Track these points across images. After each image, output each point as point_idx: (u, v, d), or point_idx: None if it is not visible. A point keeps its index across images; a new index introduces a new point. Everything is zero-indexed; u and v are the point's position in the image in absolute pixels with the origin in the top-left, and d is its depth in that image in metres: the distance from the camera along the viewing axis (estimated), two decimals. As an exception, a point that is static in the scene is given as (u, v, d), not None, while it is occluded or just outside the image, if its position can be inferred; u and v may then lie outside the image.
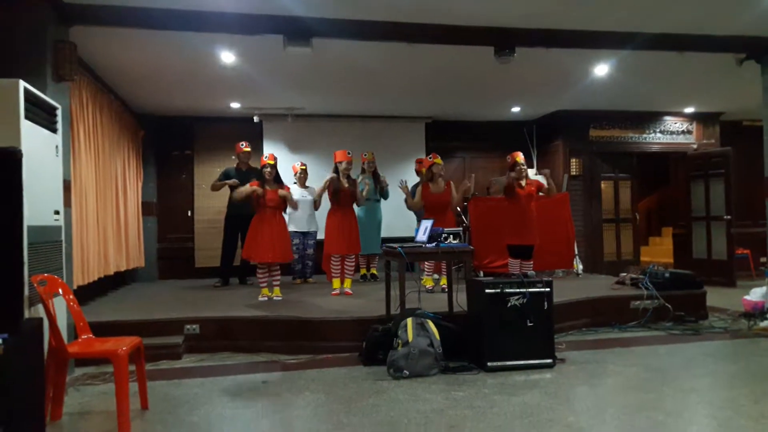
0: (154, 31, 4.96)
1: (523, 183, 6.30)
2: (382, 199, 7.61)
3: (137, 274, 8.29)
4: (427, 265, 6.64)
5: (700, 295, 6.27)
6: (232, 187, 7.32)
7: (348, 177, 6.51)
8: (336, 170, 6.49)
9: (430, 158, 6.59)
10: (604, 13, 5.07)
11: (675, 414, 3.34)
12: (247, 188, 6.00)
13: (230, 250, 7.68)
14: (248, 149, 7.64)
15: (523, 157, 6.42)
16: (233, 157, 7.94)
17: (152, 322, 5.03)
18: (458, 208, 7.34)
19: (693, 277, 6.41)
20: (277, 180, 6.14)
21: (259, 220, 6.03)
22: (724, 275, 8.75)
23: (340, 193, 6.41)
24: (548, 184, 6.34)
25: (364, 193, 6.79)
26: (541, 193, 6.43)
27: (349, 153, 6.54)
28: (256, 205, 6.05)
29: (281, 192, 6.02)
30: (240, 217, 7.14)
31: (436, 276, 6.76)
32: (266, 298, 6.07)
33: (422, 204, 6.38)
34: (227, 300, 6.21)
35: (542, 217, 6.62)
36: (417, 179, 7.59)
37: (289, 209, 6.41)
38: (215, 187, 7.61)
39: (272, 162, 6.13)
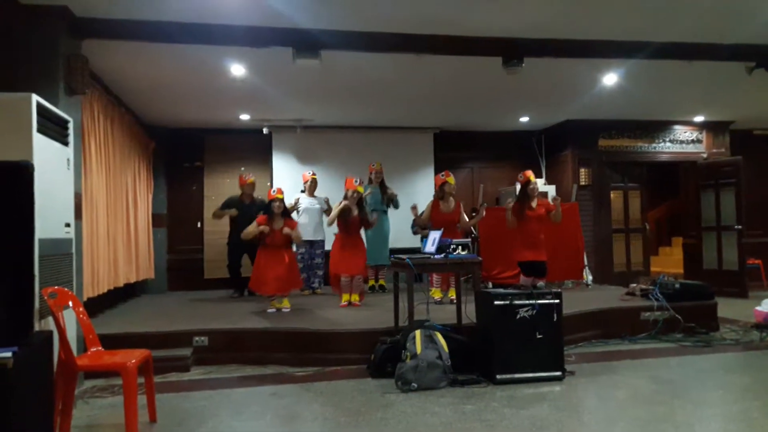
0: (164, 44, 5.02)
1: (533, 204, 6.20)
2: (389, 210, 7.61)
3: (147, 285, 8.32)
4: (435, 277, 6.62)
5: (711, 306, 6.20)
6: (233, 217, 7.47)
7: (359, 202, 6.52)
8: (346, 197, 6.51)
9: (442, 176, 6.60)
10: (612, 23, 5.07)
11: (686, 426, 3.31)
12: (255, 228, 6.04)
13: (236, 264, 7.74)
14: (252, 181, 7.68)
15: (534, 176, 6.36)
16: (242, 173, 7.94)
17: (161, 334, 5.03)
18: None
19: (704, 288, 6.34)
20: (285, 213, 6.18)
21: (263, 255, 6.11)
22: (736, 286, 8.65)
23: (350, 221, 6.45)
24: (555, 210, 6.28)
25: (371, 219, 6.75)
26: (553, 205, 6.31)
27: (356, 182, 6.56)
28: (261, 240, 6.11)
29: (285, 230, 6.06)
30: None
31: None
32: (275, 310, 6.09)
33: (430, 221, 6.37)
34: (236, 312, 6.21)
35: (551, 227, 6.57)
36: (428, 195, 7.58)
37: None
38: (217, 215, 7.68)
39: (281, 196, 6.18)
